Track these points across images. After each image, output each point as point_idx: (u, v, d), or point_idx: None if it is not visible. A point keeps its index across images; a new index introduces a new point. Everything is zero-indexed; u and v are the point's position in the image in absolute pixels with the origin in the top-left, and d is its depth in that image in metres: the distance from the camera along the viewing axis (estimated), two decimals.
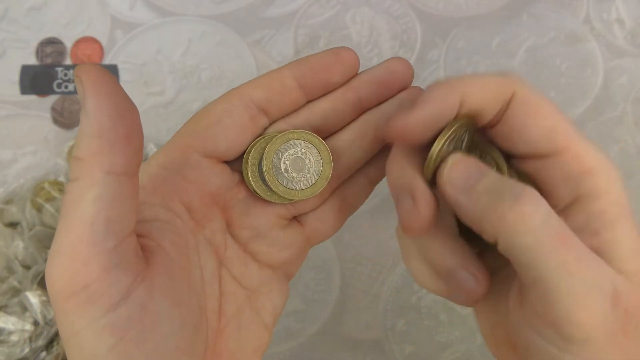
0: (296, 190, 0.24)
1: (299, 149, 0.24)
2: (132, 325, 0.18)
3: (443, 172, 0.20)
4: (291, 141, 0.24)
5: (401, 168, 0.21)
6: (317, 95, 0.24)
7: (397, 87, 0.24)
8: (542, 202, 0.18)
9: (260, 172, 0.24)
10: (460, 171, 0.19)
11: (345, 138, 0.25)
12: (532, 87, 0.20)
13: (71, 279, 0.17)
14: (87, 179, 0.17)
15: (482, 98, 0.20)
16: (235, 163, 0.24)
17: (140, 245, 0.20)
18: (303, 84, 0.23)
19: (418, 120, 0.19)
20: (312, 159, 0.24)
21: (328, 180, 0.24)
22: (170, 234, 0.21)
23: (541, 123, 0.20)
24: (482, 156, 0.21)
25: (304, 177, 0.24)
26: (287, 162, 0.24)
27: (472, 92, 0.20)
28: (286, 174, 0.24)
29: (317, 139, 0.24)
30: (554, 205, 0.19)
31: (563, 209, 0.20)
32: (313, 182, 0.24)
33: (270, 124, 0.24)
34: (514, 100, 0.20)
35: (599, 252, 0.18)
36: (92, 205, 0.17)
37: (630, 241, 0.19)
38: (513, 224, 0.18)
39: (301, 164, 0.24)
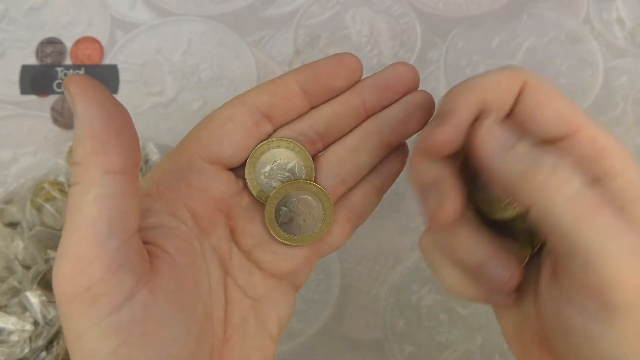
0: (298, 236, 0.25)
1: (296, 205, 0.24)
2: (135, 328, 0.18)
3: (479, 134, 0.19)
4: (291, 198, 0.24)
5: (427, 165, 0.21)
6: (321, 100, 0.24)
7: (402, 92, 0.24)
8: (579, 173, 0.18)
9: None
10: (497, 135, 0.19)
11: (349, 143, 0.24)
12: (540, 77, 0.20)
13: (75, 279, 0.18)
14: (86, 181, 0.18)
15: (499, 93, 0.20)
16: (240, 170, 0.24)
17: (148, 252, 0.20)
18: (307, 89, 0.23)
19: (455, 131, 0.20)
20: (312, 212, 0.25)
21: (329, 226, 0.25)
22: (176, 239, 0.21)
23: (552, 107, 0.20)
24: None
25: (305, 226, 0.25)
26: (286, 218, 0.25)
27: (489, 90, 0.20)
28: (287, 228, 0.24)
29: (320, 191, 0.24)
30: None
31: None
32: (314, 231, 0.25)
33: (275, 130, 0.24)
34: (526, 89, 0.20)
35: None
36: (93, 205, 0.18)
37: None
38: (551, 190, 0.18)
39: (301, 219, 0.25)
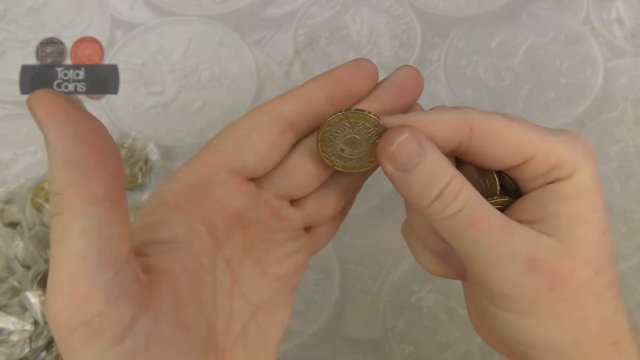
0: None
1: (351, 130, 0.23)
2: (138, 357, 0.18)
3: (387, 148, 0.21)
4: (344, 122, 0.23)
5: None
6: (344, 106, 0.24)
7: (415, 92, 0.24)
8: (462, 193, 0.21)
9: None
10: (404, 152, 0.21)
11: None
12: (488, 115, 0.22)
13: (72, 315, 0.17)
14: (68, 212, 0.16)
15: (437, 137, 0.22)
16: (262, 180, 0.24)
17: (147, 267, 0.19)
18: (330, 95, 0.23)
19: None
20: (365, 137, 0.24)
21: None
22: (183, 255, 0.21)
23: (502, 144, 0.21)
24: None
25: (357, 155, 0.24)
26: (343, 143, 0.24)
27: (433, 129, 0.22)
28: (343, 154, 0.24)
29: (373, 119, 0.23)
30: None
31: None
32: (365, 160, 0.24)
33: (298, 140, 0.24)
34: (473, 133, 0.21)
35: (541, 222, 0.21)
36: (79, 239, 0.16)
37: (578, 212, 0.21)
38: (435, 213, 0.21)
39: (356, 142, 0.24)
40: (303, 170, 0.24)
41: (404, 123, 0.21)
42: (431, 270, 0.25)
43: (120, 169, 0.17)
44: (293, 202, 0.25)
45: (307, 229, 0.26)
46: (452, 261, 0.24)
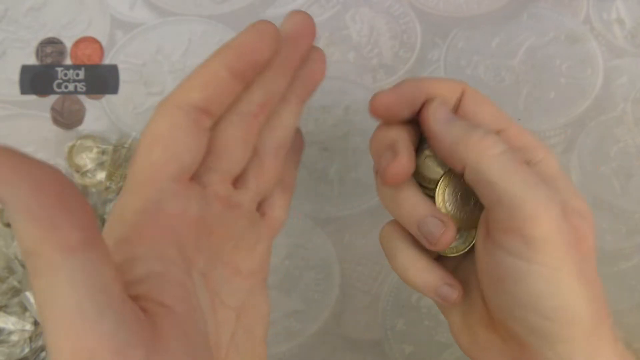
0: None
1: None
2: None
3: (429, 108, 0.25)
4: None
5: (385, 131, 0.26)
6: (251, 78, 0.23)
7: (311, 38, 0.25)
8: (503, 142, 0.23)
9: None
10: (443, 110, 0.25)
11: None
12: (475, 89, 0.26)
13: None
14: (49, 270, 0.15)
15: (444, 91, 0.26)
16: (200, 174, 0.23)
17: (142, 309, 0.18)
18: (236, 72, 0.22)
19: (391, 98, 0.25)
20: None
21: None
22: (170, 286, 0.20)
23: (486, 109, 0.26)
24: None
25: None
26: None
27: (436, 86, 0.26)
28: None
29: None
30: None
31: None
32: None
33: (216, 122, 0.23)
34: (465, 95, 0.26)
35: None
36: (69, 293, 0.15)
37: (572, 187, 0.25)
38: (482, 150, 0.23)
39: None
40: (231, 141, 0.23)
41: (417, 79, 0.25)
42: (411, 275, 0.26)
43: (89, 209, 0.16)
44: (236, 185, 0.24)
45: (262, 214, 0.26)
46: (425, 234, 0.25)
